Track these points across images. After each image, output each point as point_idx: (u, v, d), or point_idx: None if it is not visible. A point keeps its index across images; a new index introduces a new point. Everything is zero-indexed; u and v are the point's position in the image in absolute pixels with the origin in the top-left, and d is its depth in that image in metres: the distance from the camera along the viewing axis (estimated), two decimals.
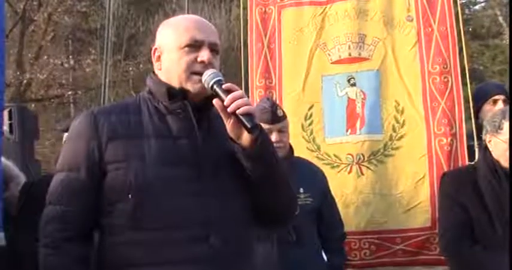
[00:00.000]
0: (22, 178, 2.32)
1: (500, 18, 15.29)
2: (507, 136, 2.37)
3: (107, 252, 1.64)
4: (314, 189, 2.79)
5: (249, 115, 1.57)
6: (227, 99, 1.58)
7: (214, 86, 1.62)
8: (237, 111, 1.57)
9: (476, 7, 18.28)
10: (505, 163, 2.36)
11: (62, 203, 1.66)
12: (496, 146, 2.40)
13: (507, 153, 2.34)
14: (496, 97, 3.37)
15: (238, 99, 1.58)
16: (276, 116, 2.75)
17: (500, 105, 3.28)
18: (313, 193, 2.78)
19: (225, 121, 1.62)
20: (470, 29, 16.86)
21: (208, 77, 1.63)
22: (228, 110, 1.58)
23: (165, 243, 1.57)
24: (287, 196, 1.77)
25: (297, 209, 1.90)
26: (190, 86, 1.67)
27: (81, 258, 1.63)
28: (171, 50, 1.70)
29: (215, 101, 1.61)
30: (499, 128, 2.41)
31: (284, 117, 2.81)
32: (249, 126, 1.56)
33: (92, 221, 1.67)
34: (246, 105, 1.58)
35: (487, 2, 17.33)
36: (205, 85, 1.64)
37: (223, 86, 1.61)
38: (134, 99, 1.77)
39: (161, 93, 1.69)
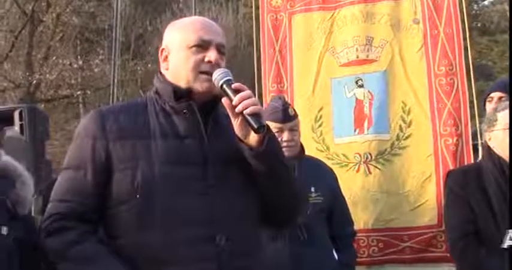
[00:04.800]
0: (27, 177, 2.35)
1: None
2: (503, 124, 2.36)
3: None
4: (325, 188, 2.80)
5: (256, 115, 1.58)
6: (235, 99, 1.59)
7: (224, 86, 1.63)
8: (244, 111, 1.58)
9: (485, 2, 18.03)
10: (505, 156, 2.33)
11: (65, 200, 1.64)
12: (495, 138, 2.39)
13: (506, 140, 2.31)
14: (492, 95, 3.36)
15: (246, 99, 1.58)
16: (288, 115, 2.75)
17: (494, 102, 3.27)
18: (324, 192, 2.78)
19: (232, 120, 1.63)
20: (479, 25, 16.64)
21: (219, 76, 1.64)
22: (236, 109, 1.59)
23: (171, 243, 1.56)
24: (291, 195, 1.76)
25: (303, 208, 1.92)
26: (198, 85, 1.67)
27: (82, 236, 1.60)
28: (179, 50, 1.70)
29: (224, 100, 1.62)
30: (494, 120, 2.40)
31: (295, 116, 2.82)
32: (255, 126, 1.57)
33: (94, 223, 1.66)
34: (253, 105, 1.58)
35: None
36: (215, 83, 1.64)
37: (233, 86, 1.62)
38: (142, 99, 1.77)
39: (167, 93, 1.69)
